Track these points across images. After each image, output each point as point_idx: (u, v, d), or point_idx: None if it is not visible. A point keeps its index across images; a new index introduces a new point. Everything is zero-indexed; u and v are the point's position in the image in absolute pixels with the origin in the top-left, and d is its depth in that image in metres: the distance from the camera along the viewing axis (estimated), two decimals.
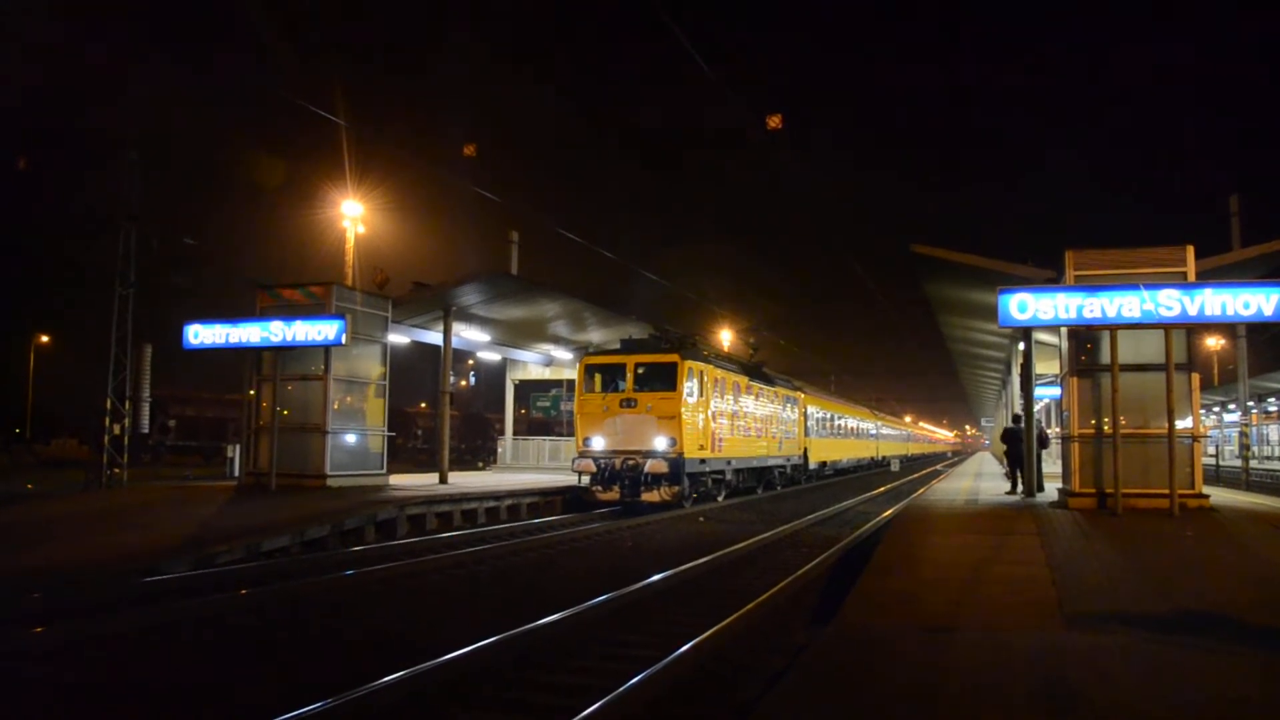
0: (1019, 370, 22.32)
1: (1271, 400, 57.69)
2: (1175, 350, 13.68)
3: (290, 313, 18.64)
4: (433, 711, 6.40)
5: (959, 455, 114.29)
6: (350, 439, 19.48)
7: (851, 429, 47.52)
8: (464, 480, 23.28)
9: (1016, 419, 19.76)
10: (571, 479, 21.51)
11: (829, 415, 40.97)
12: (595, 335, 27.90)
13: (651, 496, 20.41)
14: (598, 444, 20.89)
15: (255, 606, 9.76)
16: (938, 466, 64.07)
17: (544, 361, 32.01)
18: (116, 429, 23.52)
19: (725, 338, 43.57)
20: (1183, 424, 13.81)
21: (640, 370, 21.15)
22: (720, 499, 23.75)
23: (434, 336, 24.17)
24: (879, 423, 59.34)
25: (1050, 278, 15.26)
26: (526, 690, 6.86)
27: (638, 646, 8.09)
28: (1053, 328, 15.33)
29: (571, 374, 28.99)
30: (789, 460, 31.10)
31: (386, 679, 6.55)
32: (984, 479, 28.01)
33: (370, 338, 20.10)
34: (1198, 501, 13.82)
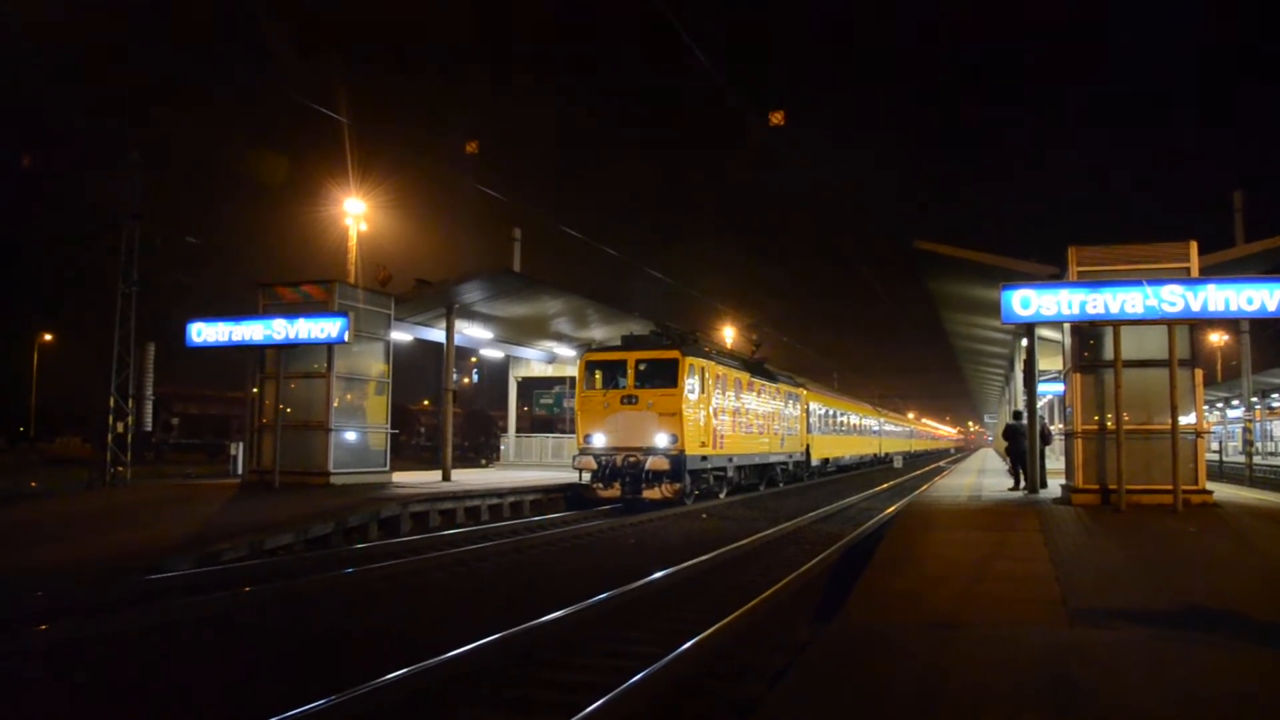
0: (1022, 366, 22.30)
1: (1275, 396, 57.58)
2: (1179, 346, 13.66)
3: (293, 310, 18.66)
4: (435, 709, 6.40)
5: (962, 452, 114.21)
6: (353, 436, 19.49)
7: (854, 425, 47.50)
8: (467, 478, 23.28)
9: (1019, 415, 19.75)
10: (574, 476, 21.52)
11: (832, 412, 40.95)
12: (598, 332, 27.89)
13: (653, 494, 20.36)
14: (599, 441, 20.87)
15: (258, 604, 9.77)
16: (941, 463, 64.01)
17: (547, 359, 32.00)
18: (120, 427, 23.56)
19: (728, 335, 43.58)
20: (1186, 420, 13.80)
21: (641, 367, 21.13)
22: (722, 496, 23.74)
23: (437, 334, 24.17)
24: (882, 419, 59.31)
25: (1053, 274, 15.23)
26: (529, 688, 6.86)
27: (641, 644, 8.08)
28: (1056, 324, 15.33)
29: (574, 371, 28.99)
30: (791, 457, 31.08)
31: (389, 676, 6.55)
32: (987, 475, 27.97)
33: (373, 335, 20.11)
34: (1201, 497, 13.81)
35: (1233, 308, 13.19)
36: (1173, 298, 13.21)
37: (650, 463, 20.05)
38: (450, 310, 22.29)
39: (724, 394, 23.26)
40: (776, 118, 22.27)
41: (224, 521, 14.26)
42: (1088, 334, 14.68)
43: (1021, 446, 18.71)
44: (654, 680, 6.68)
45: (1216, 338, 52.08)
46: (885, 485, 33.51)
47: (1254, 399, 27.56)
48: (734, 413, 24.16)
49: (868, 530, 17.30)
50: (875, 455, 53.35)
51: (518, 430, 34.60)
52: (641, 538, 16.35)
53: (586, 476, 20.89)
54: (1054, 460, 23.72)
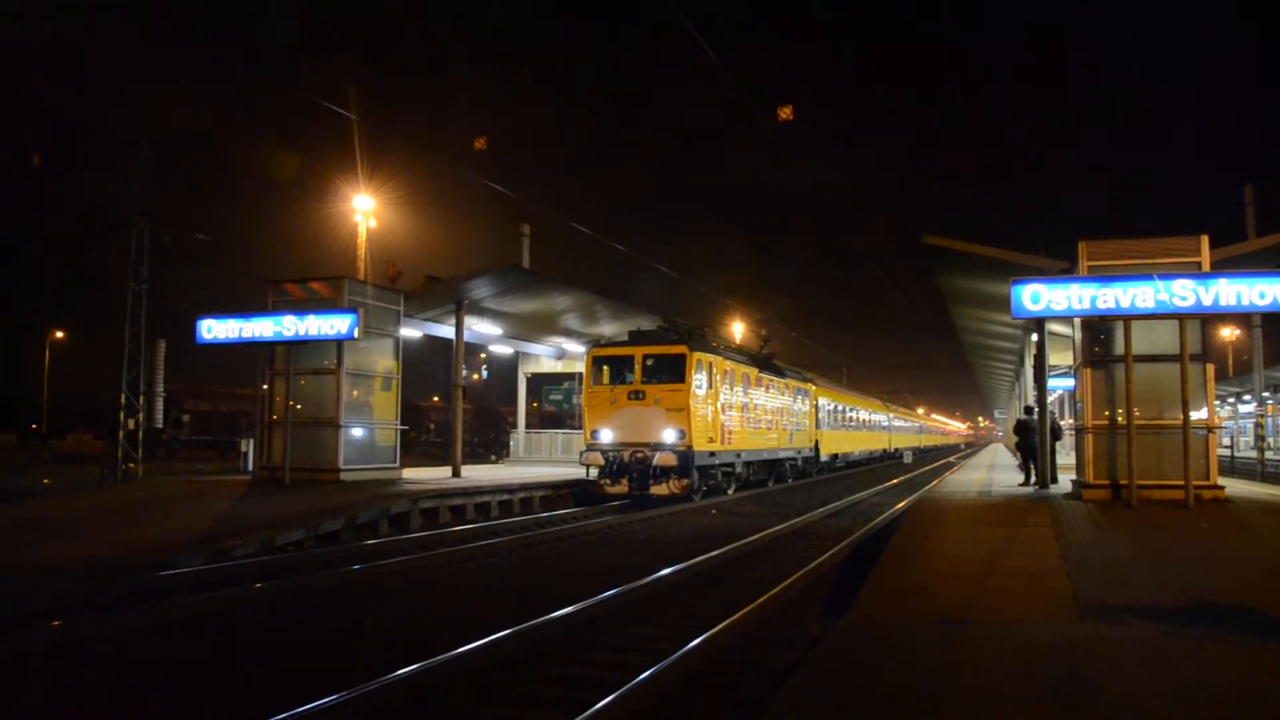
0: (1032, 361, 22.22)
1: None
2: (1190, 341, 13.61)
3: (302, 307, 18.70)
4: (446, 705, 6.42)
5: (972, 447, 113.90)
6: (363, 433, 19.54)
7: (863, 421, 47.43)
8: (477, 474, 23.32)
9: (1029, 410, 19.68)
10: (584, 472, 21.51)
11: (841, 407, 40.89)
12: (607, 328, 27.88)
13: (660, 490, 20.29)
14: (606, 437, 20.83)
15: (270, 600, 9.81)
16: (950, 458, 63.88)
17: (556, 354, 32.02)
18: (131, 424, 23.66)
19: (737, 330, 43.52)
20: (1197, 415, 13.74)
21: (648, 362, 21.06)
22: (730, 492, 23.71)
23: (446, 330, 24.20)
24: (891, 415, 59.21)
25: (1064, 268, 15.18)
26: (538, 684, 6.87)
27: (650, 639, 8.09)
28: (1066, 319, 15.28)
29: (584, 367, 29.00)
30: (800, 453, 31.05)
31: (399, 672, 6.57)
32: (997, 471, 27.92)
33: (382, 331, 20.14)
34: (1213, 493, 13.76)
35: (1244, 302, 13.13)
36: (1184, 292, 13.16)
37: (658, 458, 20.00)
38: (459, 306, 22.31)
39: (731, 389, 23.21)
40: (785, 113, 22.23)
41: (235, 518, 14.32)
42: (1098, 329, 14.62)
43: (1032, 442, 18.67)
44: (664, 676, 6.68)
45: (1228, 332, 51.79)
46: (895, 480, 33.46)
47: (1266, 394, 27.42)
48: (742, 408, 24.11)
49: (877, 526, 17.28)
50: (885, 451, 53.27)
51: (527, 426, 34.64)
52: (651, 533, 16.35)
53: (594, 472, 20.84)
54: (1064, 455, 23.65)
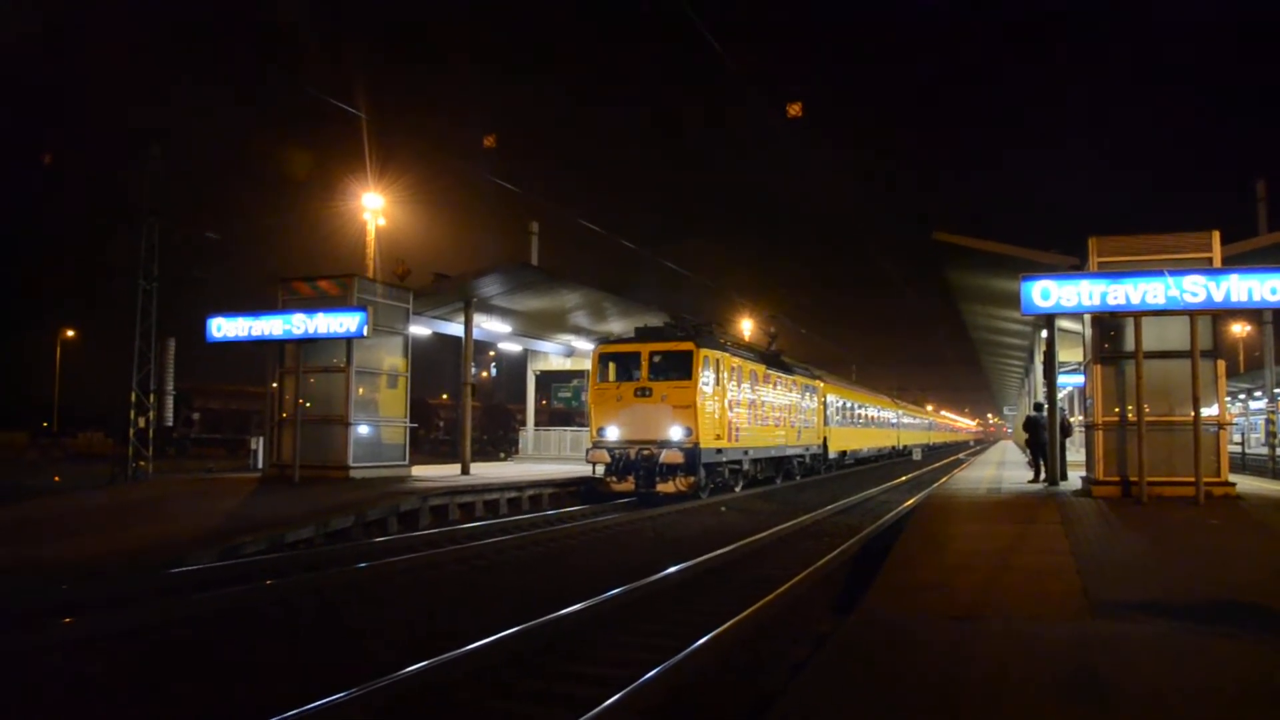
0: (1042, 358, 22.15)
1: None
2: (1201, 337, 13.54)
3: (312, 305, 18.73)
4: (455, 701, 6.43)
5: (981, 444, 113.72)
6: (372, 431, 19.58)
7: (872, 418, 47.35)
8: (486, 471, 23.36)
9: (1039, 407, 19.64)
10: (592, 470, 21.50)
11: (849, 404, 40.81)
12: (616, 325, 27.87)
13: (667, 487, 20.18)
14: (612, 434, 20.77)
15: (280, 598, 9.84)
16: (960, 455, 63.78)
17: (565, 352, 32.04)
18: (141, 422, 23.76)
19: (746, 327, 43.51)
20: (1208, 411, 13.69)
21: (655, 359, 20.97)
22: (738, 489, 23.67)
23: (455, 328, 24.23)
24: (900, 411, 59.10)
25: (1074, 264, 15.13)
26: (548, 680, 6.88)
27: (661, 636, 8.10)
28: (1076, 315, 15.22)
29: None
30: (808, 450, 31.00)
31: (409, 669, 6.59)
32: (1006, 468, 27.86)
33: (391, 329, 20.17)
34: (1223, 489, 13.71)
35: (1256, 298, 13.06)
36: (1195, 288, 13.10)
37: (664, 456, 19.89)
38: (468, 304, 22.34)
39: (739, 386, 23.17)
40: (794, 109, 22.21)
41: (245, 515, 14.36)
42: (1108, 325, 14.57)
43: (1042, 438, 18.62)
44: (674, 672, 6.69)
45: (1239, 328, 51.61)
46: (904, 477, 33.42)
47: (1277, 390, 27.26)
48: (749, 405, 24.05)
49: (887, 523, 17.27)
50: (894, 448, 53.19)
51: (536, 424, 34.67)
52: (659, 530, 16.36)
53: (600, 470, 20.79)
54: (1074, 452, 23.60)
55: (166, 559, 11.36)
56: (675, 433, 20.18)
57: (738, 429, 22.92)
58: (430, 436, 55.81)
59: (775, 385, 26.94)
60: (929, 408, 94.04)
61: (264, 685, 6.84)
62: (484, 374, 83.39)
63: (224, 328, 18.83)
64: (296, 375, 19.08)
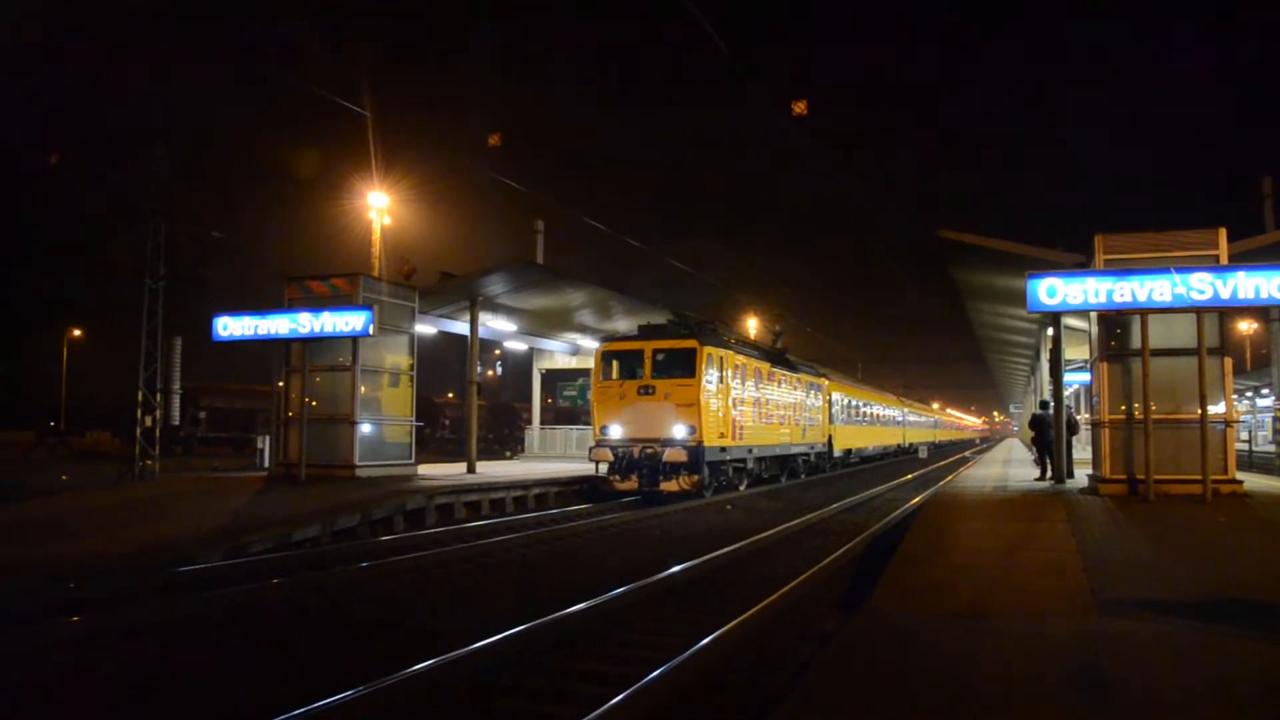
0: (1048, 356, 22.14)
1: None
2: (1207, 334, 13.51)
3: (318, 304, 18.77)
4: (462, 699, 6.43)
5: (987, 442, 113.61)
6: (378, 429, 19.60)
7: (878, 416, 47.30)
8: (492, 470, 23.38)
9: (1045, 405, 19.60)
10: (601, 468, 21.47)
11: (855, 402, 40.77)
12: (621, 324, 27.87)
13: (670, 486, 20.09)
14: (615, 432, 20.69)
15: (286, 596, 9.86)
16: (966, 453, 63.69)
17: (570, 351, 32.06)
18: (148, 421, 23.81)
19: (751, 325, 43.49)
20: (1215, 409, 13.65)
21: (659, 357, 20.88)
22: (742, 488, 23.63)
23: (461, 326, 24.25)
24: (906, 410, 59.05)
25: (1080, 262, 15.10)
26: (553, 679, 6.89)
27: (667, 634, 8.10)
28: (1082, 313, 15.18)
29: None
30: (813, 448, 30.95)
31: (416, 667, 6.60)
32: (1013, 466, 27.83)
33: (397, 328, 20.19)
34: (1231, 487, 13.68)
35: (1263, 295, 13.02)
36: (1201, 285, 13.07)
37: (668, 454, 19.81)
38: (474, 303, 22.36)
39: (743, 384, 23.12)
40: (799, 107, 22.18)
41: (251, 514, 14.39)
42: (1115, 323, 14.54)
43: (1048, 436, 18.59)
44: (680, 670, 6.69)
45: (1246, 326, 51.47)
46: (910, 476, 33.38)
47: None
48: (754, 403, 24.00)
49: (893, 521, 17.24)
50: (899, 446, 53.14)
51: (541, 422, 34.70)
52: (665, 529, 16.36)
53: (603, 468, 20.71)
54: (1081, 450, 23.54)
55: (173, 558, 11.40)
56: (679, 431, 20.12)
57: (742, 427, 22.87)
58: (436, 435, 55.86)
59: (780, 383, 26.90)
60: (935, 406, 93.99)
61: (270, 683, 6.86)
62: (489, 373, 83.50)
63: (230, 327, 18.87)
64: (302, 374, 19.12)
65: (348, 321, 18.04)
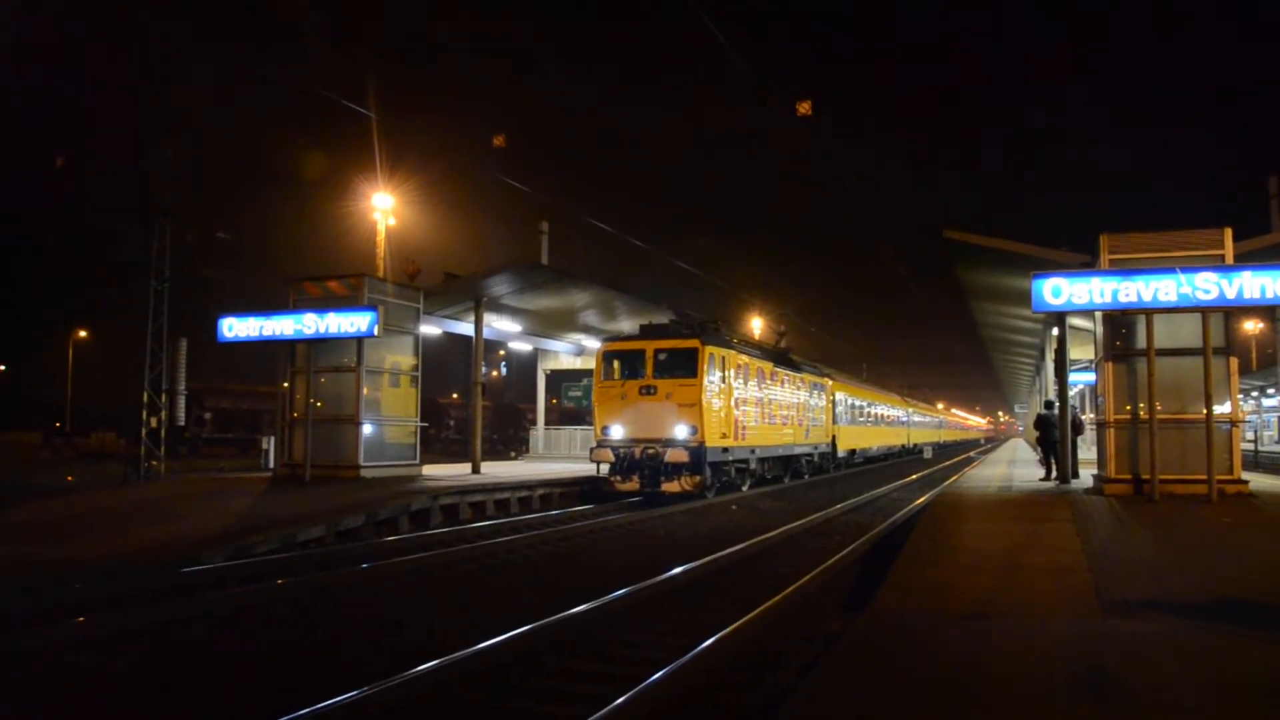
0: (1053, 356, 22.09)
1: None
2: (1213, 334, 13.49)
3: (323, 305, 18.80)
4: (464, 699, 6.44)
5: (992, 442, 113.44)
6: (383, 430, 19.63)
7: (882, 416, 47.25)
8: (497, 470, 23.38)
9: (1050, 405, 19.57)
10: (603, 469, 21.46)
11: (859, 402, 40.71)
12: (626, 324, 27.86)
13: (672, 486, 19.98)
14: (616, 433, 20.59)
15: (291, 597, 9.87)
16: (971, 454, 63.62)
17: (575, 351, 32.07)
18: (154, 422, 23.87)
19: (756, 326, 43.48)
20: (1221, 409, 13.63)
21: (660, 357, 20.76)
22: (745, 488, 23.58)
23: (465, 327, 24.27)
24: (910, 410, 58.99)
25: (1085, 262, 15.08)
26: (558, 679, 6.89)
27: (672, 634, 8.10)
28: (1087, 312, 15.17)
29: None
30: (817, 448, 30.90)
31: (420, 668, 6.61)
32: (1018, 466, 27.79)
33: (402, 329, 20.22)
34: (1236, 487, 13.65)
35: (1269, 294, 12.99)
36: (1207, 285, 13.04)
37: (669, 455, 19.69)
38: (479, 303, 22.37)
39: (746, 384, 23.07)
40: (804, 107, 22.19)
41: (256, 515, 14.42)
42: (1120, 322, 14.52)
43: (1053, 436, 18.56)
44: (684, 670, 6.68)
45: (1251, 325, 51.38)
46: (914, 476, 33.34)
47: None
48: (757, 403, 23.93)
49: (897, 521, 17.22)
50: (904, 446, 53.08)
51: (546, 423, 34.73)
52: (669, 529, 16.36)
53: (604, 469, 20.63)
54: (1086, 450, 23.52)
55: (179, 558, 11.42)
56: (680, 431, 20.04)
57: (744, 427, 22.82)
58: (441, 436, 55.89)
59: (783, 383, 26.86)
60: (940, 406, 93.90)
61: (276, 684, 6.87)
62: (494, 373, 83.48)
63: (235, 327, 18.91)
64: (307, 375, 19.16)
65: (353, 322, 18.07)
